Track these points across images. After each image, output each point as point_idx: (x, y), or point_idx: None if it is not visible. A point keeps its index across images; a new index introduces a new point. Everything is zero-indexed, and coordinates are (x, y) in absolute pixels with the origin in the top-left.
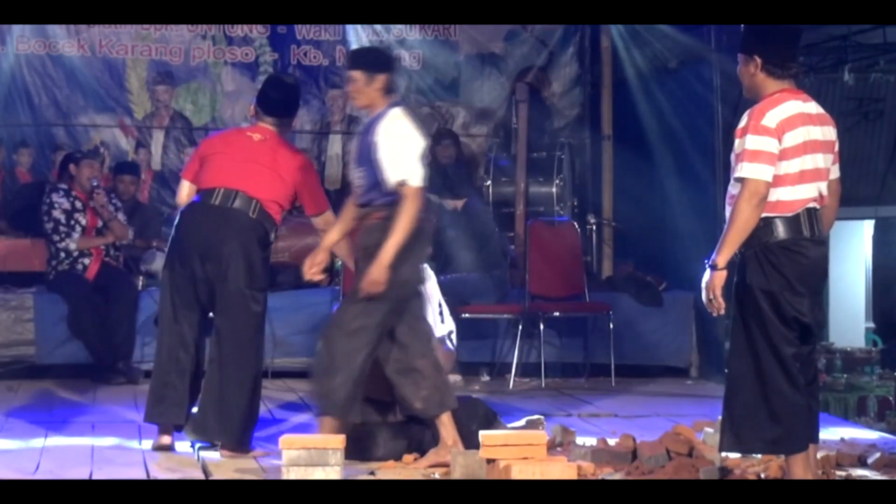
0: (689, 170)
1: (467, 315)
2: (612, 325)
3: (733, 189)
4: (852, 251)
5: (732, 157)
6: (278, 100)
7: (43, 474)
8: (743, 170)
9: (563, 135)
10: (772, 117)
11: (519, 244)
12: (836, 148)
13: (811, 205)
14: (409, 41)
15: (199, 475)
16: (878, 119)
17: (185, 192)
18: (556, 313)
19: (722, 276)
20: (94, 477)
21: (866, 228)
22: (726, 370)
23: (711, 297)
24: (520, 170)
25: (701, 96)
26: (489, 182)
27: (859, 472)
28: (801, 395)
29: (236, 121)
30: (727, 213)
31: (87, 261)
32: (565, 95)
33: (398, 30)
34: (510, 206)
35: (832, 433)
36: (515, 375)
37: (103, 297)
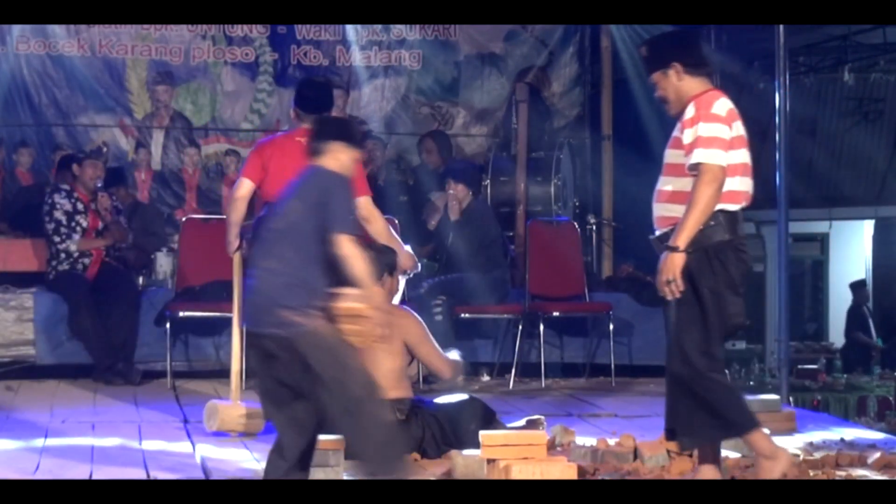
0: None
1: (467, 315)
2: (612, 325)
3: (663, 186)
4: (852, 251)
5: (667, 152)
6: (316, 98)
7: (43, 474)
8: (698, 155)
9: (563, 135)
10: (720, 106)
11: (519, 244)
12: None
13: (744, 203)
14: (409, 41)
15: (200, 475)
16: (878, 119)
17: (245, 189)
18: (556, 313)
19: (682, 257)
20: (94, 477)
21: (866, 228)
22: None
23: (671, 278)
24: (520, 170)
25: None
26: (489, 182)
27: (859, 472)
28: (732, 382)
29: (236, 121)
30: (654, 213)
31: (87, 261)
32: (565, 95)
33: (398, 30)
34: (510, 206)
35: (832, 433)
36: (515, 375)
37: (103, 298)
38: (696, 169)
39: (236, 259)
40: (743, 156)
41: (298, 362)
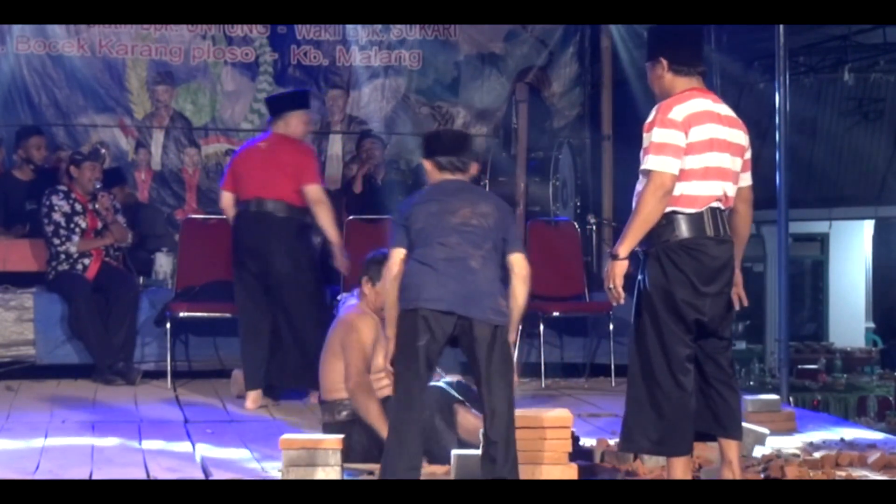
0: None
1: None
2: (612, 326)
3: (640, 185)
4: (852, 251)
5: (641, 153)
6: (269, 99)
7: (43, 474)
8: (649, 162)
9: (563, 135)
10: (679, 111)
11: None
12: (748, 155)
13: (715, 203)
14: (409, 41)
15: (199, 475)
16: (878, 119)
17: (225, 200)
18: (556, 313)
19: (623, 265)
20: (94, 477)
21: (866, 228)
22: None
23: (611, 285)
24: (520, 170)
25: None
26: (488, 182)
27: (859, 472)
28: (689, 398)
29: (236, 121)
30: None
31: (87, 261)
32: (565, 95)
33: (398, 30)
34: (510, 206)
35: (832, 433)
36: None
37: (103, 297)
38: (646, 175)
39: None
40: (708, 159)
41: (487, 347)
